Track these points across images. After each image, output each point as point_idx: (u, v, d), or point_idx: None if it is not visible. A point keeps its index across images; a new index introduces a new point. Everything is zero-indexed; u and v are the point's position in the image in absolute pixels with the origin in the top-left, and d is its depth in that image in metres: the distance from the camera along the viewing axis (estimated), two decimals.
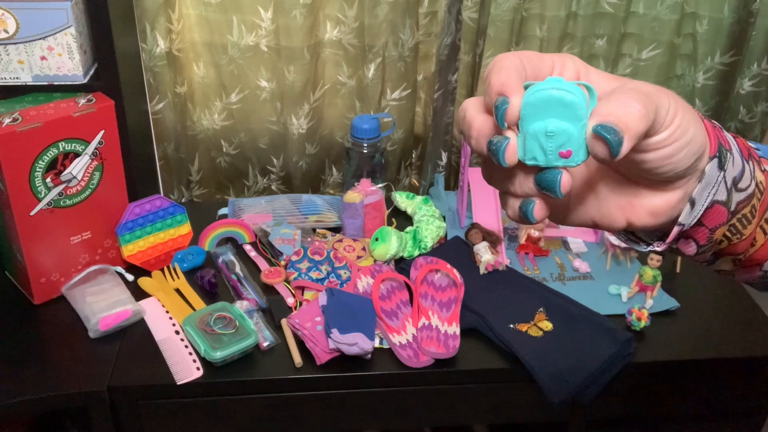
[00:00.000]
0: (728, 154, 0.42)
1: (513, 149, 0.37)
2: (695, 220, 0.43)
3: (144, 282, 1.29)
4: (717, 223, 0.43)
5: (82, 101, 1.18)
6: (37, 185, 1.14)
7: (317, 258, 1.32)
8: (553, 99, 0.36)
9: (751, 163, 0.44)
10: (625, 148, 0.36)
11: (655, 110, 0.37)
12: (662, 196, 0.42)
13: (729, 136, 0.44)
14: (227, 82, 1.50)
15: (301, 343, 1.16)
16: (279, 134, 1.57)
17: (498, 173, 0.41)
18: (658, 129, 0.38)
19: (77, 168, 1.19)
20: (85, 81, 1.21)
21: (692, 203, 0.42)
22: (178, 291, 1.28)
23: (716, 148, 0.42)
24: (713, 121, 0.44)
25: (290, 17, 1.42)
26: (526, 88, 0.37)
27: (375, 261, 1.34)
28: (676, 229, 0.43)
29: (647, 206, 0.43)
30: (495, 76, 0.38)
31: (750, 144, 0.47)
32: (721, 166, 0.42)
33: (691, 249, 0.45)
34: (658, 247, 0.45)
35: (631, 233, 0.47)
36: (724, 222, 0.44)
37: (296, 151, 1.57)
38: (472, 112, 0.39)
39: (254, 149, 1.59)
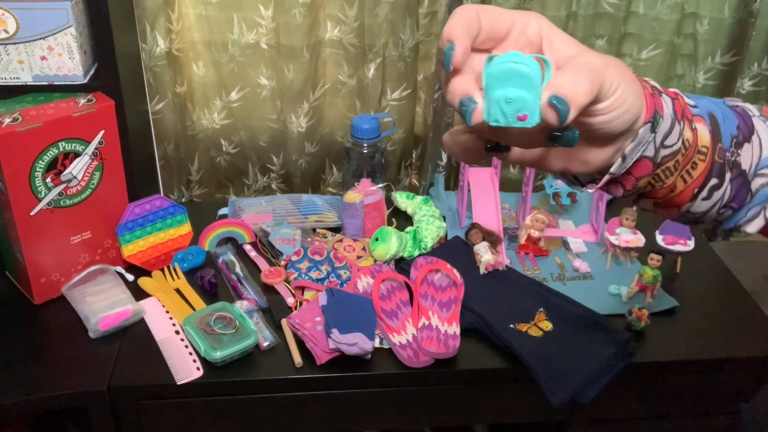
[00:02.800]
0: (661, 119, 0.49)
1: (478, 112, 0.43)
2: (624, 171, 0.50)
3: (144, 282, 1.29)
4: (642, 173, 0.50)
5: (82, 101, 1.18)
6: (37, 185, 1.14)
7: (317, 258, 1.32)
8: (512, 71, 0.42)
9: (682, 123, 0.51)
10: (571, 117, 0.42)
11: (600, 85, 0.43)
12: (597, 151, 0.50)
13: (667, 99, 0.51)
14: (227, 80, 1.50)
15: (301, 343, 1.16)
16: (279, 132, 1.57)
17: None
18: (601, 99, 0.44)
19: (77, 168, 1.19)
20: (85, 81, 1.21)
21: (623, 158, 0.49)
22: (178, 291, 1.28)
23: (651, 114, 0.48)
24: (655, 86, 0.51)
25: (290, 16, 1.42)
26: (490, 60, 0.43)
27: (375, 261, 1.34)
28: (606, 177, 0.51)
29: (582, 157, 0.50)
30: (447, 26, 0.44)
31: (688, 100, 0.54)
32: (653, 130, 0.48)
33: (618, 192, 0.52)
34: (590, 189, 0.53)
35: (571, 175, 0.55)
36: (649, 173, 0.51)
37: (296, 150, 1.57)
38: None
39: (254, 147, 1.59)
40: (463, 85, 0.44)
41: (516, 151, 0.51)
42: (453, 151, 0.50)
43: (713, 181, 0.53)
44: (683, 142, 0.51)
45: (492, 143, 0.49)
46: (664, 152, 0.50)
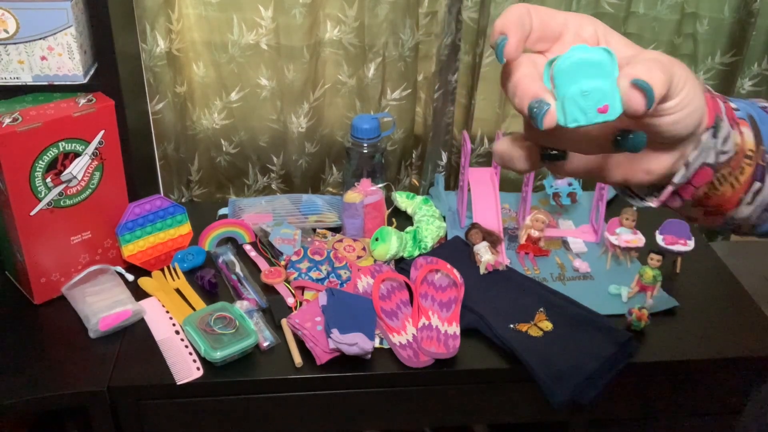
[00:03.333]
0: (722, 124, 0.47)
1: (552, 114, 0.40)
2: (685, 180, 0.48)
3: (144, 282, 1.29)
4: (702, 182, 0.48)
5: (82, 101, 1.18)
6: (37, 185, 1.14)
7: (317, 258, 1.32)
8: (582, 61, 0.39)
9: (734, 128, 0.50)
10: (655, 103, 0.40)
11: (671, 78, 0.41)
12: (659, 158, 0.46)
13: (721, 104, 0.49)
14: (227, 80, 1.51)
15: (301, 343, 1.16)
16: (279, 133, 1.57)
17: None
18: (669, 96, 0.42)
19: (77, 168, 1.19)
20: (85, 81, 1.21)
21: (686, 166, 0.47)
22: (178, 291, 1.28)
23: (713, 119, 0.46)
24: (712, 91, 0.49)
25: (290, 16, 1.42)
26: (550, 63, 0.40)
27: (375, 261, 1.34)
28: (669, 188, 0.48)
29: (644, 166, 0.47)
30: (498, 21, 0.42)
31: (730, 104, 0.52)
32: (715, 135, 0.46)
33: (675, 203, 0.50)
34: (653, 203, 0.50)
35: (625, 186, 0.52)
36: (709, 181, 0.49)
37: (296, 150, 1.57)
38: (519, 69, 0.42)
39: (254, 148, 1.59)
40: (531, 87, 0.41)
41: (574, 161, 0.48)
42: (507, 160, 0.46)
43: (756, 185, 0.51)
44: (734, 146, 0.49)
45: (549, 151, 0.45)
46: (721, 158, 0.48)
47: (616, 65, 0.40)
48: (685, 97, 0.42)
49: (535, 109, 0.40)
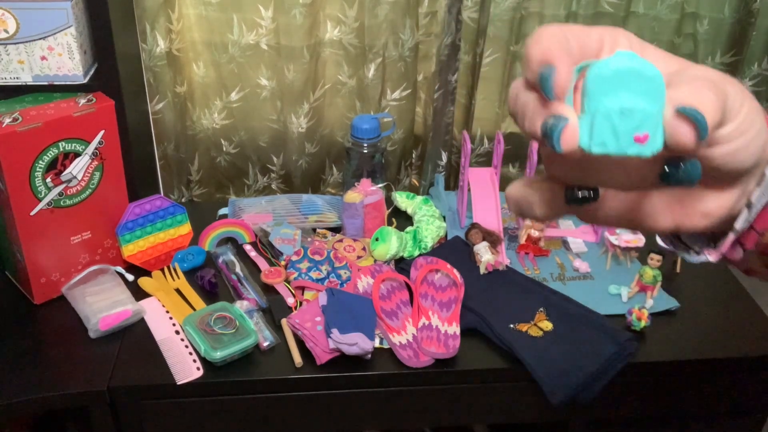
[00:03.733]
0: None
1: (572, 132, 0.31)
2: (748, 224, 0.39)
3: (144, 282, 1.29)
4: (767, 226, 0.40)
5: (82, 101, 1.18)
6: (37, 185, 1.14)
7: (317, 258, 1.32)
8: (629, 71, 0.31)
9: None
10: (708, 135, 0.31)
11: (725, 100, 0.33)
12: (718, 197, 0.38)
13: None
14: (227, 80, 1.51)
15: (301, 343, 1.16)
16: (279, 133, 1.57)
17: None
18: (726, 121, 0.34)
19: (77, 168, 1.19)
20: (85, 81, 1.21)
21: (749, 207, 0.38)
22: (178, 291, 1.28)
23: None
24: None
25: (290, 16, 1.42)
26: (578, 71, 0.33)
27: (375, 261, 1.34)
28: (731, 237, 0.39)
29: (701, 207, 0.38)
30: (535, 47, 0.33)
31: None
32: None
33: (737, 255, 0.41)
34: (711, 257, 0.41)
35: (674, 236, 0.43)
36: None
37: (296, 150, 1.57)
38: (525, 93, 0.35)
39: (254, 148, 1.59)
40: (543, 105, 0.33)
41: (607, 202, 0.38)
42: (524, 206, 0.38)
43: None
44: None
45: (575, 190, 0.36)
46: None
47: (662, 84, 0.32)
48: (743, 121, 0.34)
49: (549, 127, 0.32)
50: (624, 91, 0.31)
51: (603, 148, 0.31)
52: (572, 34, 0.35)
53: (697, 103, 0.31)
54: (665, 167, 0.34)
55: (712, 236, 0.41)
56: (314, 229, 1.44)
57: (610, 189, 0.38)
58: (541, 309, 1.23)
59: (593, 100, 0.31)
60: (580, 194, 0.35)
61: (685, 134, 0.31)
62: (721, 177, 0.37)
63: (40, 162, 1.13)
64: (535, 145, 1.37)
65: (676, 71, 0.35)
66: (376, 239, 1.35)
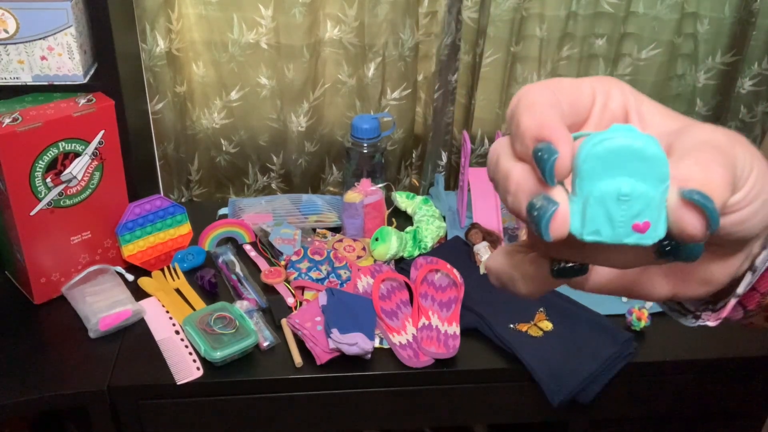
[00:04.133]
0: None
1: (562, 218, 0.28)
2: (750, 287, 0.37)
3: (144, 282, 1.29)
4: None
5: (82, 101, 1.18)
6: (37, 185, 1.14)
7: (317, 258, 1.32)
8: (630, 151, 0.27)
9: None
10: (719, 221, 0.28)
11: (734, 170, 0.30)
12: (720, 264, 0.35)
13: None
14: (227, 79, 1.51)
15: (301, 343, 1.16)
16: (279, 132, 1.57)
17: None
18: (735, 189, 0.30)
19: (77, 168, 1.19)
20: (85, 81, 1.21)
21: (753, 270, 0.36)
22: (178, 291, 1.28)
23: None
24: None
25: (290, 15, 1.42)
26: (575, 139, 0.29)
27: (375, 261, 1.34)
28: (732, 302, 0.37)
29: (701, 274, 0.35)
30: (527, 116, 0.29)
31: None
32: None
33: (738, 315, 0.39)
34: (711, 322, 0.38)
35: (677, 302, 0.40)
36: None
37: (296, 149, 1.57)
38: (507, 160, 0.30)
39: (254, 147, 1.59)
40: (530, 179, 0.29)
41: (600, 273, 0.35)
42: (505, 281, 0.34)
43: None
44: None
45: (562, 264, 0.32)
46: None
47: (665, 160, 0.28)
48: (753, 187, 0.31)
49: (537, 211, 0.28)
50: (621, 173, 0.27)
51: (597, 237, 0.28)
52: (563, 94, 0.31)
53: (705, 181, 0.28)
54: (663, 243, 0.29)
55: (711, 298, 0.39)
56: (314, 229, 1.44)
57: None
58: (541, 309, 1.23)
59: (586, 181, 0.28)
60: (567, 266, 0.32)
61: (693, 225, 0.28)
62: (727, 246, 0.34)
63: (40, 162, 1.13)
64: None
65: (677, 131, 0.31)
66: (376, 239, 1.35)
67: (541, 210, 0.28)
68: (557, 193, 0.28)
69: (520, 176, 0.29)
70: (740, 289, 0.36)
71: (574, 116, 0.32)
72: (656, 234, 0.28)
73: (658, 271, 0.35)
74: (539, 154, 0.28)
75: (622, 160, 0.27)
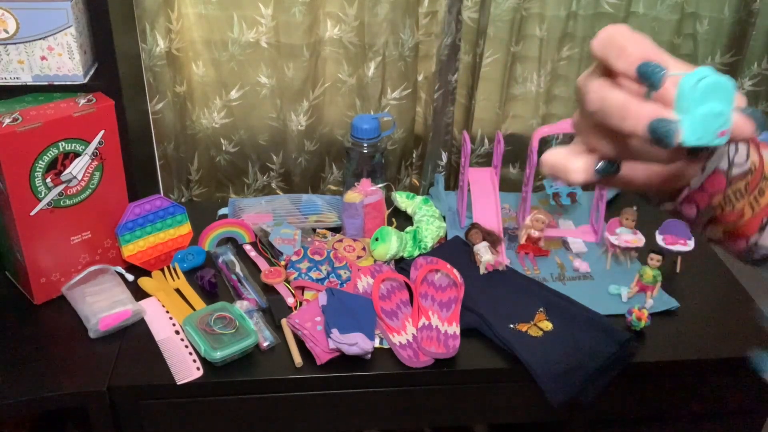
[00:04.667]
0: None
1: (681, 133, 0.40)
2: (699, 184, 0.49)
3: (144, 282, 1.29)
4: (716, 188, 0.49)
5: (82, 101, 1.18)
6: (37, 185, 1.14)
7: (317, 258, 1.32)
8: (716, 84, 0.40)
9: (748, 144, 0.50)
10: None
11: None
12: (693, 166, 0.49)
13: None
14: (227, 78, 1.51)
15: (301, 343, 1.16)
16: (279, 131, 1.57)
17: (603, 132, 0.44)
18: None
19: (77, 168, 1.19)
20: (85, 81, 1.21)
21: (702, 170, 0.49)
22: (178, 291, 1.28)
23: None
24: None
25: (290, 14, 1.42)
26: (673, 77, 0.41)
27: (375, 261, 1.34)
28: (685, 191, 0.50)
29: (684, 173, 0.49)
30: (632, 44, 0.41)
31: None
32: (728, 142, 0.46)
33: (692, 211, 0.51)
34: (667, 207, 0.52)
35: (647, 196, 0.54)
36: (722, 189, 0.49)
37: (296, 149, 1.57)
38: (612, 91, 0.41)
39: (254, 146, 1.59)
40: (646, 107, 0.40)
41: (626, 171, 0.47)
42: (560, 171, 0.46)
43: None
44: (751, 164, 0.50)
45: (605, 163, 0.45)
46: (735, 171, 0.49)
47: (735, 93, 0.41)
48: None
49: (662, 129, 0.39)
50: (713, 99, 0.40)
51: (699, 142, 0.40)
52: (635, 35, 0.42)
53: (746, 104, 0.41)
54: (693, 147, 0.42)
55: (672, 195, 0.52)
56: (314, 229, 1.44)
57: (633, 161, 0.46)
58: (541, 309, 1.23)
59: (691, 105, 0.40)
60: (607, 164, 0.45)
61: (747, 130, 0.41)
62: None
63: (40, 162, 1.13)
64: (535, 146, 1.37)
65: None
66: (376, 239, 1.35)
67: (666, 128, 0.39)
68: (668, 113, 0.40)
69: (637, 104, 0.40)
70: (692, 183, 0.49)
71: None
72: (728, 137, 0.41)
73: (660, 173, 0.48)
74: (649, 68, 0.40)
75: (712, 89, 0.40)
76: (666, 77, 0.40)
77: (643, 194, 0.53)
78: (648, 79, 0.40)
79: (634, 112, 0.40)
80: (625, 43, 0.41)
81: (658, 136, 0.40)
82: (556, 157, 0.46)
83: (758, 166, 0.50)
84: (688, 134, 0.40)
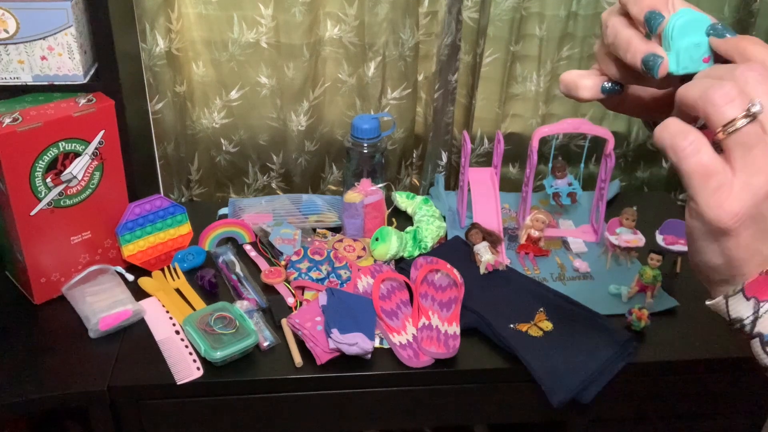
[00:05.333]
0: None
1: (666, 64, 0.47)
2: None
3: (144, 282, 1.29)
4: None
5: (82, 101, 1.18)
6: (38, 185, 1.14)
7: (317, 258, 1.32)
8: (695, 19, 0.47)
9: None
10: None
11: None
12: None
13: None
14: (227, 79, 1.51)
15: (301, 343, 1.16)
16: (279, 131, 1.57)
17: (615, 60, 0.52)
18: None
19: (77, 168, 1.19)
20: (85, 81, 1.21)
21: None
22: (178, 291, 1.28)
23: None
24: None
25: (290, 14, 1.42)
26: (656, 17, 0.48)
27: (375, 261, 1.34)
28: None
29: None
30: None
31: None
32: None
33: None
34: None
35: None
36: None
37: (296, 149, 1.57)
38: (624, 28, 0.49)
39: (254, 146, 1.59)
40: (642, 44, 0.48)
41: (629, 92, 0.54)
42: (572, 88, 0.53)
43: None
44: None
45: (611, 84, 0.52)
46: None
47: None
48: None
49: (650, 62, 0.47)
50: (693, 33, 0.46)
51: (687, 70, 0.47)
52: None
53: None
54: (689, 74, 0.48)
55: None
56: (314, 229, 1.44)
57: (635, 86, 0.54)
58: (541, 309, 1.23)
59: (677, 40, 0.47)
60: (612, 84, 0.52)
61: (725, 44, 0.46)
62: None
63: (40, 162, 1.13)
64: (534, 146, 1.37)
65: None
66: (376, 239, 1.35)
67: (653, 61, 0.47)
68: (660, 50, 0.47)
69: (638, 41, 0.48)
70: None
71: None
72: (711, 64, 0.47)
73: (655, 97, 0.54)
74: (650, 17, 0.47)
75: (691, 25, 0.46)
76: (662, 25, 0.47)
77: (646, 122, 0.57)
78: (648, 24, 0.48)
79: (634, 47, 0.48)
80: None
81: (648, 67, 0.47)
82: (571, 75, 0.53)
83: None
84: (673, 65, 0.47)
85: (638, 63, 0.48)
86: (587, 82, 0.52)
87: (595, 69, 0.54)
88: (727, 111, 0.41)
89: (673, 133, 0.43)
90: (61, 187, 1.18)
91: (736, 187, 0.41)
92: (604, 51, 0.52)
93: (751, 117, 0.41)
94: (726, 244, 0.43)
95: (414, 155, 1.66)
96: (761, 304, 0.44)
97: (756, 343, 0.46)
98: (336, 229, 1.45)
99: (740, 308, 0.46)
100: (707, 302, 0.48)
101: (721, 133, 0.41)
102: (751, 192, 0.41)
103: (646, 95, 0.54)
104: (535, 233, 1.39)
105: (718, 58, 0.47)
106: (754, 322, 0.46)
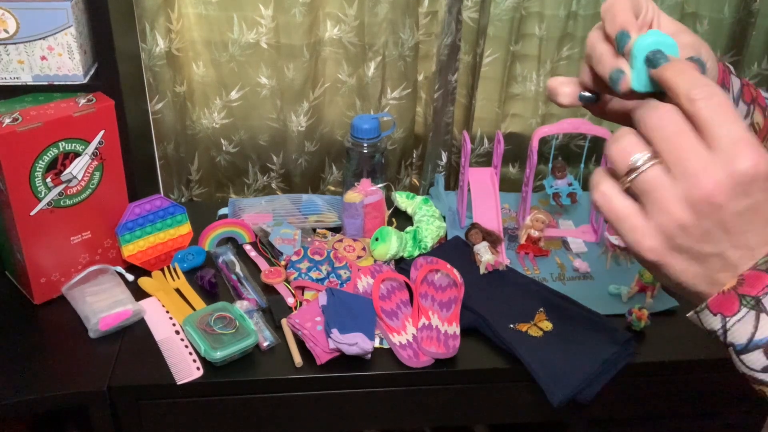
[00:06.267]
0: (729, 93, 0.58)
1: (627, 81, 0.50)
2: None
3: (144, 282, 1.29)
4: None
5: (82, 101, 1.18)
6: (37, 185, 1.14)
7: (317, 258, 1.32)
8: (661, 43, 0.49)
9: (752, 106, 0.58)
10: None
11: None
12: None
13: (736, 80, 0.59)
14: (227, 79, 1.51)
15: (301, 343, 1.16)
16: (279, 131, 1.57)
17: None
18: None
19: (77, 168, 1.19)
20: (85, 81, 1.21)
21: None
22: (178, 291, 1.28)
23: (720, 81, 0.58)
24: (727, 64, 0.60)
25: (290, 15, 1.42)
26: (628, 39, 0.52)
27: (375, 261, 1.34)
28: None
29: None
30: (621, 14, 0.51)
31: (765, 93, 0.61)
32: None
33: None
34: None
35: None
36: None
37: (296, 149, 1.57)
38: (600, 43, 0.53)
39: (254, 147, 1.59)
40: (610, 60, 0.52)
41: (611, 104, 0.58)
42: (553, 94, 0.57)
43: None
44: (753, 125, 0.57)
45: (587, 94, 0.56)
46: None
47: (677, 50, 0.50)
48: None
49: (614, 77, 0.51)
50: None
51: (647, 88, 0.50)
52: (639, 8, 0.54)
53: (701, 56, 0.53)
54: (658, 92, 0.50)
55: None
56: (314, 229, 1.44)
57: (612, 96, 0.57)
58: (541, 309, 1.23)
59: (638, 60, 0.50)
60: (588, 94, 0.57)
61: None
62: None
63: (40, 162, 1.13)
64: (534, 145, 1.37)
65: (674, 32, 0.55)
66: (376, 239, 1.35)
67: (617, 76, 0.51)
68: (624, 66, 0.50)
69: (608, 56, 0.52)
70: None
71: (635, 15, 0.53)
72: None
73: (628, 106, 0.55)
74: (621, 36, 0.51)
75: (656, 47, 0.49)
76: (627, 44, 0.50)
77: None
78: (617, 43, 0.52)
79: (605, 61, 0.52)
80: (617, 13, 0.51)
81: (612, 82, 0.51)
82: (554, 82, 0.57)
83: (763, 126, 0.58)
84: (635, 82, 0.50)
85: (606, 76, 0.51)
86: (566, 90, 0.56)
87: (576, 78, 0.57)
88: (622, 164, 0.46)
89: (591, 185, 0.48)
90: (61, 187, 1.18)
91: (650, 226, 0.45)
92: (586, 63, 0.56)
93: (642, 167, 0.45)
94: (663, 272, 0.47)
95: (414, 155, 1.66)
96: (727, 318, 0.49)
97: (731, 351, 0.51)
98: (336, 229, 1.45)
99: (710, 321, 0.50)
100: (687, 315, 0.52)
101: (624, 183, 0.46)
102: (660, 230, 0.44)
103: (624, 106, 0.57)
104: (535, 233, 1.39)
105: None
106: (725, 334, 0.50)
